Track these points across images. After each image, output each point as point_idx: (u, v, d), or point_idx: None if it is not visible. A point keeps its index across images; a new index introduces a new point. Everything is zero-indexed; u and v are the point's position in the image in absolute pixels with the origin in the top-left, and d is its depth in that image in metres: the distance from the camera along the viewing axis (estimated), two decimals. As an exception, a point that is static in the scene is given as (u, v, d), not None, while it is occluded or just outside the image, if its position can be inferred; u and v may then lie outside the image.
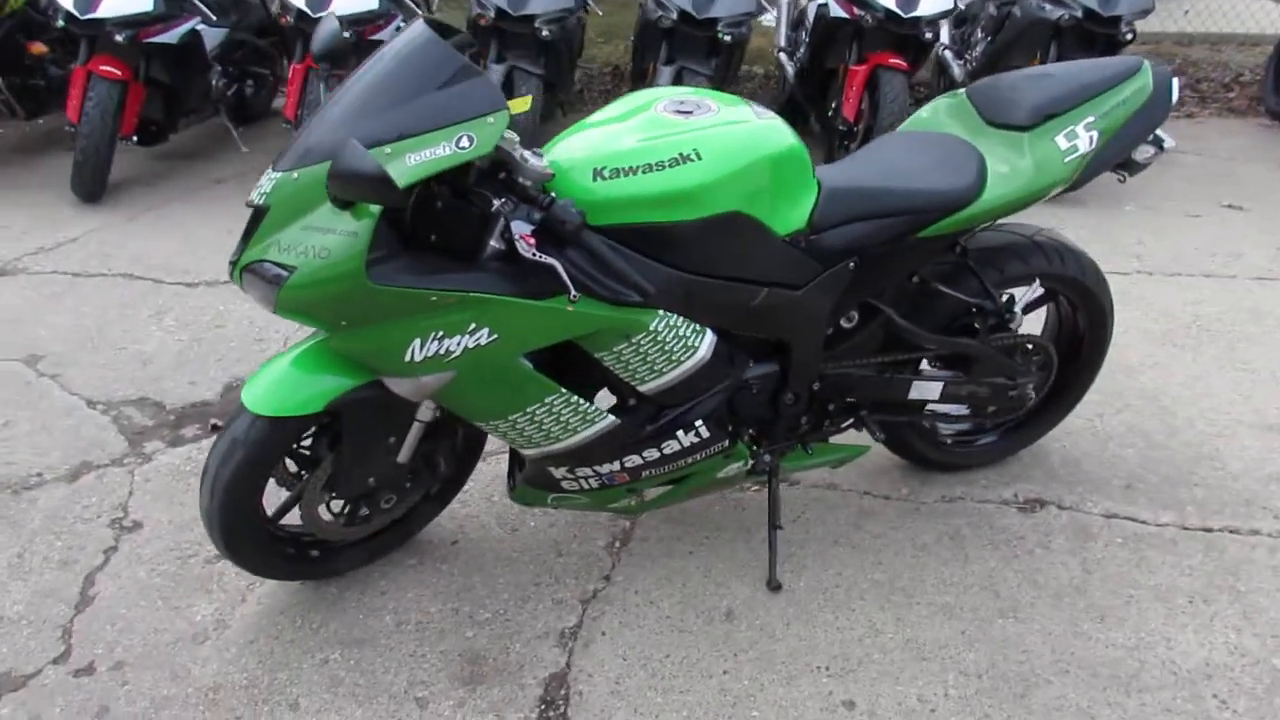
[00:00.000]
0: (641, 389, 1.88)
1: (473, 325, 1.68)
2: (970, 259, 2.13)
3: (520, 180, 1.65)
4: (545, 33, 4.36)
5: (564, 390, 1.81)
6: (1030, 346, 2.29)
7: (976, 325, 2.19)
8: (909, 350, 2.17)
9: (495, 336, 1.70)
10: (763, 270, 1.88)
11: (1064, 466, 2.57)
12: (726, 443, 2.02)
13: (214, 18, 4.68)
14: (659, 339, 1.81)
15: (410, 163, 1.54)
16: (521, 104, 1.73)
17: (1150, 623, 2.07)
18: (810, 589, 2.17)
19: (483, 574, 2.21)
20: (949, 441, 2.48)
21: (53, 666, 1.96)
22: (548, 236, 1.65)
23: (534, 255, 1.63)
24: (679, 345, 1.83)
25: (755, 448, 2.13)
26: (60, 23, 4.23)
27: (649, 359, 1.83)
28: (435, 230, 1.67)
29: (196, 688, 1.92)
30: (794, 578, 2.20)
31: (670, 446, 1.96)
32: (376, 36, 4.46)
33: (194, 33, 4.56)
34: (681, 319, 1.83)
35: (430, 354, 1.69)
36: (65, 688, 1.91)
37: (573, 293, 1.67)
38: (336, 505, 2.04)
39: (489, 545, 2.30)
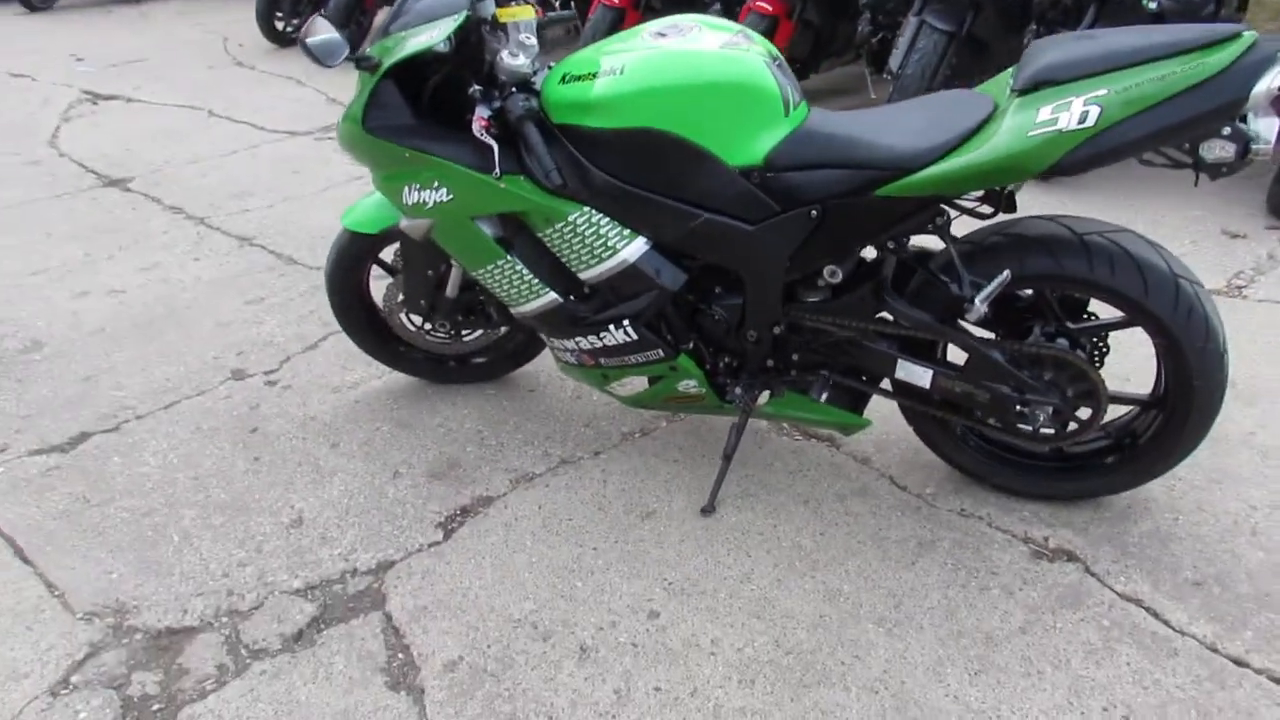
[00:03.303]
0: (580, 276, 2.11)
1: (436, 183, 2.10)
2: (947, 234, 1.89)
3: (498, 75, 2.01)
4: (953, -15, 4.20)
5: (509, 257, 2.14)
6: (1057, 362, 1.93)
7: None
8: (896, 324, 2.01)
9: (451, 196, 2.10)
10: (701, 195, 1.95)
11: (1143, 539, 2.08)
12: (661, 353, 2.14)
13: None
14: (578, 231, 2.03)
15: (409, 44, 2.01)
16: (523, 11, 2.05)
17: (1028, 703, 1.73)
18: (732, 527, 2.19)
19: (484, 424, 2.63)
20: (973, 445, 2.19)
21: (239, 380, 2.90)
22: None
23: (480, 134, 1.99)
24: (599, 243, 2.03)
25: (731, 379, 2.20)
26: None
27: (574, 248, 2.06)
28: (450, 103, 2.11)
29: (227, 420, 2.70)
30: (732, 511, 2.23)
31: (608, 339, 2.16)
32: None
33: None
34: (607, 220, 2.01)
35: (414, 201, 2.15)
36: (244, 391, 2.83)
37: (496, 170, 1.99)
38: (417, 320, 2.63)
39: (548, 403, 2.70)
